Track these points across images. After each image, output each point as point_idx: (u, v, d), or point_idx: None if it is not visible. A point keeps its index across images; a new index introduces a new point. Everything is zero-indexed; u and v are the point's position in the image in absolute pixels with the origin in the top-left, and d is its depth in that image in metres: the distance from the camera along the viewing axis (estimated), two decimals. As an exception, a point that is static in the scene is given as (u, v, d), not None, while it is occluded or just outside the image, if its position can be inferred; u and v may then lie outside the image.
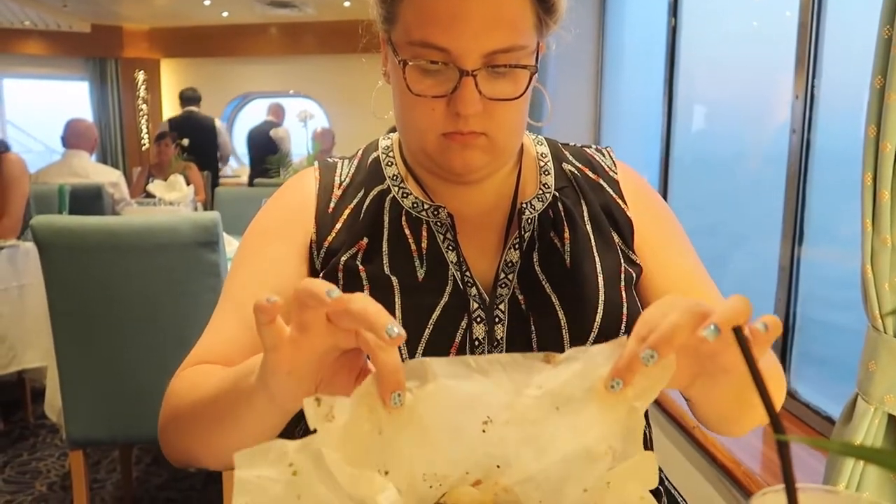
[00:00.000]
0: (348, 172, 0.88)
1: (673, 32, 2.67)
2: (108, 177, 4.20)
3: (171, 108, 8.62)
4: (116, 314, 1.83)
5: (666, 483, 0.87)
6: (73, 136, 4.22)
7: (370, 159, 0.88)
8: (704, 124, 2.77)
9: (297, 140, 5.52)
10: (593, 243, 0.82)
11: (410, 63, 0.74)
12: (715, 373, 0.56)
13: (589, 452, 0.51)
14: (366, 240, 0.81)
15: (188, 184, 3.37)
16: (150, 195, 3.61)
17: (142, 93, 8.46)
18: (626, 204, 0.87)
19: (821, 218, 1.84)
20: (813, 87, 1.82)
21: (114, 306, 1.82)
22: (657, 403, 1.56)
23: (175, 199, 3.17)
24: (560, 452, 0.51)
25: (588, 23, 3.17)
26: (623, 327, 0.78)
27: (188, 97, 6.39)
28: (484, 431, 0.51)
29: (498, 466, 0.52)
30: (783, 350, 1.90)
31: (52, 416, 2.23)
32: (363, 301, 0.50)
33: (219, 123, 6.41)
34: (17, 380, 3.13)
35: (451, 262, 0.79)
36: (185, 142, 5.28)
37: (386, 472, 0.50)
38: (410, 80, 0.74)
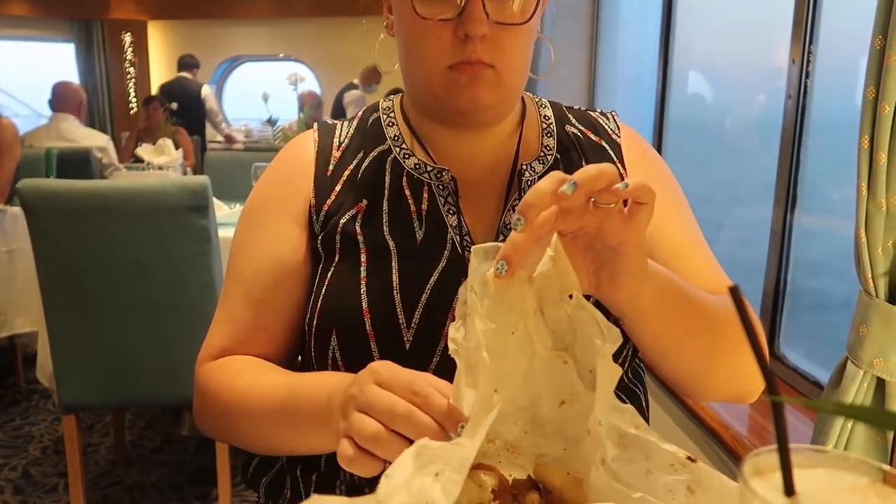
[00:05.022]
0: (347, 133, 0.86)
1: (669, -5, 2.63)
2: (97, 141, 4.14)
3: (158, 72, 8.48)
4: (106, 279, 1.81)
5: None
6: (60, 100, 4.16)
7: (370, 120, 0.87)
8: (700, 88, 2.75)
9: (290, 104, 5.46)
10: None
11: None
12: (612, 259, 0.58)
13: (542, 361, 0.55)
14: (365, 201, 0.80)
15: (177, 148, 3.33)
16: (138, 160, 3.57)
17: (129, 56, 8.30)
18: (625, 169, 0.85)
19: (812, 184, 1.84)
20: (809, 52, 1.80)
21: (103, 271, 1.81)
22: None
23: (164, 163, 3.13)
24: (517, 373, 0.55)
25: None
26: None
27: (183, 63, 6.44)
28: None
29: (496, 391, 0.54)
30: (773, 314, 1.91)
31: (43, 381, 2.22)
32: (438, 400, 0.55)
33: (205, 91, 6.31)
34: (9, 345, 3.13)
35: (451, 225, 0.79)
36: (174, 106, 5.21)
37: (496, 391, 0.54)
38: (412, 5, 0.73)
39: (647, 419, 0.85)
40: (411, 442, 0.54)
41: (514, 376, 0.55)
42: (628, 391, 0.82)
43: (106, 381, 1.88)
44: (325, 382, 0.66)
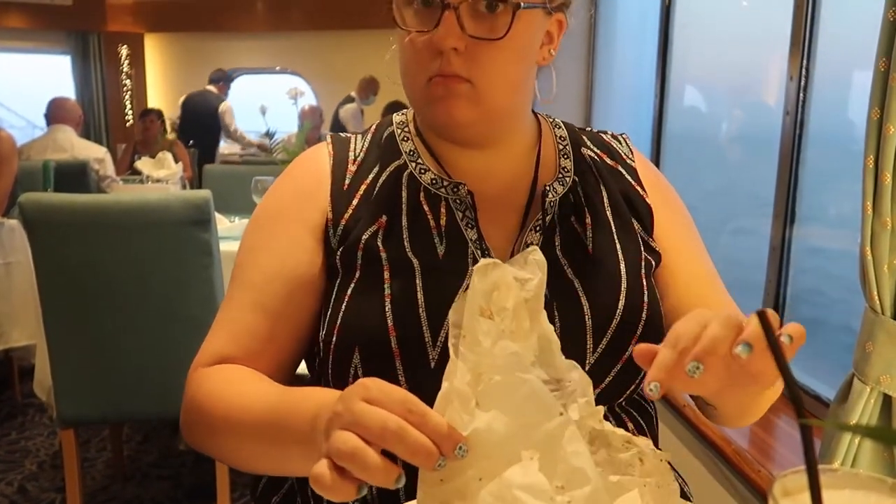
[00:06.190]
0: (362, 147, 0.86)
1: (667, 11, 2.66)
2: (94, 153, 4.14)
3: (155, 84, 8.49)
4: (107, 293, 1.81)
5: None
6: (57, 111, 4.16)
7: (385, 135, 0.86)
8: (697, 103, 2.77)
9: (287, 117, 5.47)
10: (614, 230, 0.82)
11: None
12: (745, 381, 0.58)
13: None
14: (385, 217, 0.79)
15: (176, 161, 3.33)
16: (135, 172, 3.57)
17: (125, 68, 8.30)
18: (644, 191, 0.87)
19: (808, 199, 1.86)
20: (808, 68, 1.82)
21: (104, 285, 1.80)
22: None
23: (164, 177, 3.13)
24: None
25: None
26: (644, 315, 0.78)
27: (211, 77, 6.48)
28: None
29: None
30: (772, 330, 1.92)
31: (41, 395, 2.21)
32: (435, 422, 0.52)
33: (223, 107, 6.23)
34: (5, 358, 3.11)
35: (471, 239, 0.78)
36: (171, 119, 5.22)
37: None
38: (398, 16, 0.75)
39: (656, 436, 0.86)
40: (395, 461, 0.52)
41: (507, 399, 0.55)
42: (641, 410, 0.83)
43: (106, 395, 1.87)
44: (312, 400, 0.62)
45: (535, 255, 0.56)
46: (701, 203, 2.51)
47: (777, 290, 1.91)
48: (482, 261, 0.55)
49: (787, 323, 0.53)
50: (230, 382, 0.75)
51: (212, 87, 6.39)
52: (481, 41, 0.73)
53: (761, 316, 0.38)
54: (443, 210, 0.79)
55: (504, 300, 0.54)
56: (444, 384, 0.54)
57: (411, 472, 0.53)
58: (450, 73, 0.73)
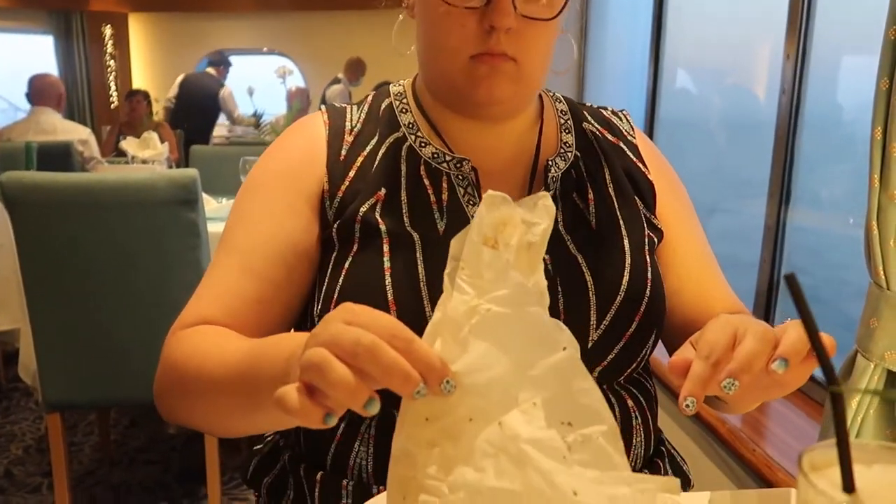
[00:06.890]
0: (359, 118, 0.83)
1: (660, -8, 2.62)
2: (78, 134, 4.06)
3: (140, 65, 8.37)
4: (92, 274, 1.77)
5: (667, 444, 0.87)
6: (38, 92, 4.07)
7: (382, 106, 0.84)
8: (689, 83, 2.75)
9: (275, 98, 5.42)
10: (616, 206, 0.81)
11: None
12: (772, 387, 0.58)
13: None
14: (384, 190, 0.77)
15: (162, 142, 3.27)
16: (121, 153, 3.50)
17: (109, 48, 8.16)
18: (646, 168, 0.86)
19: (802, 178, 1.85)
20: (804, 47, 1.80)
21: (89, 266, 1.76)
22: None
23: (150, 157, 3.07)
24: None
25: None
26: (647, 292, 0.77)
27: (210, 60, 6.38)
28: None
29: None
30: (766, 310, 1.92)
31: (26, 378, 2.17)
32: (425, 350, 0.47)
33: (224, 92, 6.07)
34: (-12, 342, 3.06)
35: (472, 216, 0.76)
36: (168, 98, 5.14)
37: None
38: None
39: (656, 415, 0.84)
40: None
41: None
42: (641, 388, 0.81)
43: (92, 379, 1.84)
44: (289, 340, 0.57)
45: (546, 201, 0.51)
46: (690, 184, 2.49)
47: (771, 270, 1.90)
48: (491, 192, 0.51)
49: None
50: (206, 338, 0.70)
51: (211, 70, 6.26)
52: (528, 20, 0.72)
53: (790, 279, 0.36)
54: (444, 185, 0.78)
55: (509, 237, 0.49)
56: (436, 314, 0.49)
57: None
58: (498, 52, 0.72)
